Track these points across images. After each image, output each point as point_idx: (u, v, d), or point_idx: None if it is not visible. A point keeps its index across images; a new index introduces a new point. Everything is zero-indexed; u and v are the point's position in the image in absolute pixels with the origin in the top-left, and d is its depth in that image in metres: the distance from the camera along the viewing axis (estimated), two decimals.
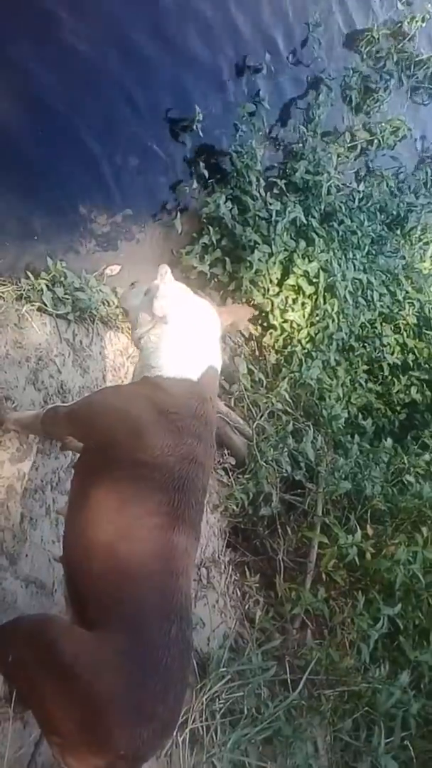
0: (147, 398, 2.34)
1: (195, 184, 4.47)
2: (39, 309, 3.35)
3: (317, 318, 4.66)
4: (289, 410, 4.48)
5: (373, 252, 5.38)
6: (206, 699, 2.95)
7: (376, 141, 5.81)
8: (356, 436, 4.59)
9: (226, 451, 4.10)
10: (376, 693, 3.42)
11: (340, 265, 4.77)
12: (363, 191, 5.51)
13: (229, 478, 4.02)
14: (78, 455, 2.56)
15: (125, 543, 2.11)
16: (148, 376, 2.43)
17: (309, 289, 4.57)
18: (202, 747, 2.87)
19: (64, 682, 1.90)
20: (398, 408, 5.18)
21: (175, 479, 2.22)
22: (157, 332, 2.50)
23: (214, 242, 4.38)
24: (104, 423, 2.35)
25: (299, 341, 4.64)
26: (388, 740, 3.33)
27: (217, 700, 2.98)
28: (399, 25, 6.32)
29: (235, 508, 3.91)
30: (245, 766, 3.00)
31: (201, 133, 4.43)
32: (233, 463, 4.10)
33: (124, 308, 2.85)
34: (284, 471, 4.14)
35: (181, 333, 2.49)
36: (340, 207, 5.14)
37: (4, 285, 3.32)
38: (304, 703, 3.28)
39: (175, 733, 2.79)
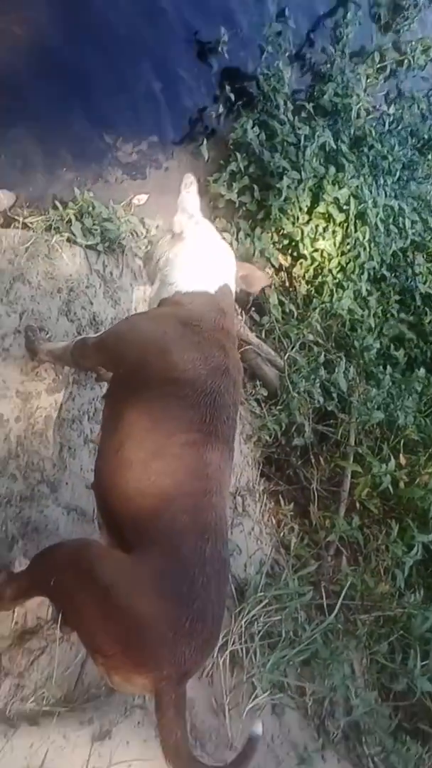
0: (170, 315, 2.34)
1: (221, 109, 4.36)
2: (68, 240, 3.31)
3: (348, 247, 4.57)
4: (321, 341, 4.44)
5: (405, 178, 5.24)
6: (245, 622, 3.00)
7: (406, 61, 5.59)
8: (388, 366, 4.56)
9: (258, 383, 4.09)
10: (411, 618, 3.48)
11: (370, 191, 4.65)
12: (393, 114, 5.34)
13: (262, 409, 4.02)
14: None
15: (157, 462, 2.11)
16: (166, 296, 2.44)
17: (339, 217, 4.47)
18: (242, 668, 2.94)
19: (104, 605, 1.94)
20: (431, 338, 5.10)
21: (206, 394, 2.20)
22: (174, 250, 2.51)
23: (242, 169, 4.28)
24: (132, 347, 2.34)
25: (330, 271, 4.56)
26: (424, 663, 3.40)
27: (256, 623, 3.04)
28: None
29: (268, 438, 3.93)
30: (284, 686, 3.08)
31: (227, 56, 4.29)
32: (265, 394, 4.09)
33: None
34: (316, 402, 4.13)
35: (197, 248, 2.51)
36: (370, 131, 4.98)
37: (33, 215, 3.28)
38: (340, 627, 3.34)
39: (215, 655, 2.86)
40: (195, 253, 2.50)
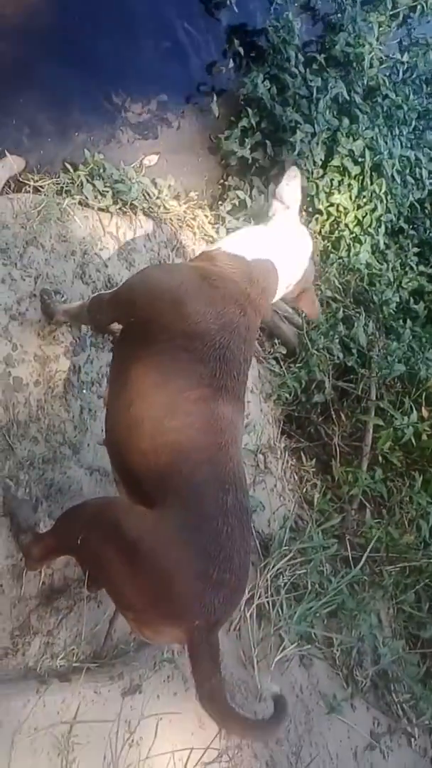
0: (193, 268, 2.35)
1: (231, 65, 4.28)
2: (80, 203, 3.30)
3: (364, 200, 4.49)
4: (339, 297, 4.40)
5: (420, 127, 5.11)
6: (270, 576, 3.03)
7: (419, 7, 5.39)
8: (408, 320, 4.50)
9: (276, 341, 4.08)
10: None
11: (386, 142, 4.55)
12: (407, 62, 5.16)
13: (281, 367, 4.01)
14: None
15: (170, 418, 2.11)
16: (208, 250, 2.46)
17: (355, 170, 4.39)
18: (269, 621, 2.98)
19: (131, 560, 1.96)
20: None
21: (216, 348, 2.19)
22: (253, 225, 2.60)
23: (254, 125, 4.21)
24: (145, 295, 2.32)
25: (346, 225, 4.50)
26: None
27: (281, 576, 3.07)
28: None
29: (287, 396, 3.92)
30: (312, 638, 3.12)
31: (236, 9, 4.20)
32: (284, 352, 4.08)
33: None
34: (336, 358, 4.11)
35: (273, 230, 2.55)
36: (384, 81, 4.84)
37: (43, 179, 3.27)
38: (366, 579, 3.37)
39: (242, 608, 2.90)
40: (268, 232, 2.54)
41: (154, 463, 2.09)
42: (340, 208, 4.45)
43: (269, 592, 3.01)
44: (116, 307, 2.47)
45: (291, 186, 2.65)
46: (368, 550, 3.39)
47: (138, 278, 2.50)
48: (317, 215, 4.46)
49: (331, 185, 4.41)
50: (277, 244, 2.51)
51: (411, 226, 4.96)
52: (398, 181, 4.64)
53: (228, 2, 4.16)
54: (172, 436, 2.10)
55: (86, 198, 3.31)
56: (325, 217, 4.47)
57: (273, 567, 3.06)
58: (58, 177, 3.35)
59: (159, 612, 1.98)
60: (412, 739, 3.38)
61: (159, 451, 2.09)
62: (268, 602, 2.99)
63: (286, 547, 3.15)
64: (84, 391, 2.93)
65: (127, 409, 2.19)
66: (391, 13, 5.26)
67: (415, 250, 4.94)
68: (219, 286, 2.28)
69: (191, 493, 2.05)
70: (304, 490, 3.73)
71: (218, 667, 1.98)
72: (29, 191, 3.19)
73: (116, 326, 2.93)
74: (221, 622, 2.03)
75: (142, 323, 2.28)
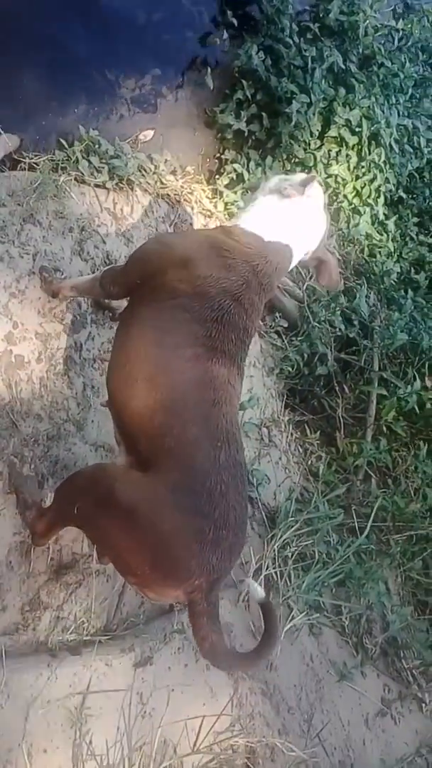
0: (206, 235, 2.35)
1: (225, 36, 4.22)
2: (76, 179, 3.27)
3: (363, 170, 4.46)
4: (339, 269, 4.38)
5: (417, 95, 5.06)
6: (277, 547, 3.04)
7: None
8: (409, 290, 4.48)
9: (277, 315, 4.06)
10: None
11: (383, 111, 4.50)
12: (402, 30, 5.11)
13: (283, 341, 3.99)
14: None
15: (163, 375, 2.13)
16: (225, 225, 2.45)
17: (352, 140, 4.35)
18: (277, 591, 3.00)
19: (127, 525, 1.98)
20: None
21: (214, 310, 2.20)
22: (265, 199, 2.52)
23: (249, 97, 4.16)
24: (156, 254, 2.35)
25: (345, 196, 4.47)
26: None
27: (288, 547, 3.08)
28: None
29: (290, 369, 3.91)
30: (320, 607, 3.14)
31: None
32: (285, 326, 4.06)
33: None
34: (338, 330, 4.10)
35: (288, 209, 2.49)
36: (379, 49, 4.78)
37: (38, 157, 3.24)
38: (373, 547, 3.38)
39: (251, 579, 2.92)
40: (286, 208, 2.49)
41: (148, 421, 2.11)
42: (339, 179, 4.42)
43: (277, 563, 3.03)
44: (129, 273, 2.46)
45: (312, 194, 2.57)
46: (373, 519, 3.40)
47: (151, 241, 2.56)
48: None
49: (329, 156, 4.38)
50: (294, 222, 2.49)
51: (410, 196, 4.93)
52: (396, 150, 4.61)
53: None
54: (165, 393, 2.11)
55: (82, 174, 3.28)
56: (323, 188, 4.42)
57: (280, 538, 3.07)
58: (53, 154, 3.31)
59: (158, 574, 2.01)
60: (423, 705, 3.41)
61: (152, 409, 2.10)
62: (275, 573, 3.01)
63: (293, 518, 3.16)
64: (86, 367, 2.93)
65: (122, 367, 2.21)
66: None
67: (415, 219, 4.93)
68: (227, 256, 2.29)
69: (183, 451, 2.06)
70: (309, 462, 3.74)
71: (218, 624, 2.03)
72: (24, 169, 3.17)
73: (116, 304, 2.97)
74: (221, 578, 2.05)
75: (147, 281, 2.29)
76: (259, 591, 2.26)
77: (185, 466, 2.04)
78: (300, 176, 2.59)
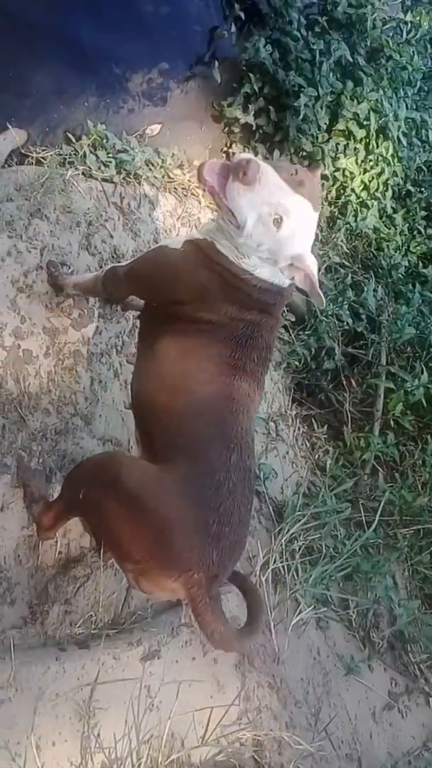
0: (220, 276, 2.18)
1: (232, 29, 4.21)
2: (83, 173, 3.28)
3: (370, 164, 4.45)
4: (347, 263, 4.38)
5: (426, 88, 5.03)
6: (285, 541, 3.05)
7: None
8: (417, 284, 4.47)
9: (284, 309, 4.04)
10: None
11: (391, 104, 4.49)
12: (411, 22, 5.07)
13: (290, 335, 3.99)
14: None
15: (186, 384, 2.17)
16: (228, 257, 2.18)
17: (360, 133, 4.34)
18: (284, 585, 3.00)
19: (131, 510, 2.00)
20: None
21: (238, 336, 2.20)
22: (264, 241, 2.12)
23: (257, 91, 4.15)
24: (167, 284, 2.29)
25: (353, 190, 4.46)
26: None
27: (296, 541, 3.08)
28: None
29: (297, 364, 3.92)
30: (328, 601, 3.14)
31: None
32: (293, 320, 4.06)
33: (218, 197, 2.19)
34: (345, 324, 4.09)
35: (286, 246, 2.14)
36: (387, 42, 4.75)
37: (46, 151, 3.25)
38: (380, 541, 3.38)
39: (257, 573, 2.93)
40: (282, 250, 2.14)
41: (167, 423, 2.15)
42: (346, 173, 4.41)
43: (284, 557, 3.03)
44: (134, 284, 2.47)
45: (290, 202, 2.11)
46: (381, 512, 3.40)
47: (157, 261, 2.39)
48: (323, 180, 4.41)
49: (337, 150, 4.37)
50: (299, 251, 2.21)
51: (418, 189, 4.92)
52: (404, 143, 4.59)
53: None
54: (188, 399, 2.15)
55: (89, 168, 3.28)
56: (331, 182, 4.43)
57: (287, 532, 3.07)
58: (61, 148, 3.32)
59: (157, 562, 2.02)
60: (430, 699, 3.41)
61: (172, 412, 2.14)
62: (283, 566, 3.01)
63: (300, 512, 3.17)
64: (94, 362, 2.94)
65: (148, 375, 2.27)
66: None
67: (423, 213, 4.91)
68: (246, 303, 2.19)
69: (196, 448, 2.09)
70: (316, 456, 3.74)
71: (222, 615, 2.03)
72: (32, 163, 3.18)
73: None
74: (219, 576, 2.05)
75: (164, 306, 2.30)
76: None
77: (196, 460, 2.06)
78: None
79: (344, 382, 4.05)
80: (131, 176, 3.46)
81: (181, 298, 2.24)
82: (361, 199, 4.47)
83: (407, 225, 4.77)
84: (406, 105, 4.67)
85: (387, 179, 4.51)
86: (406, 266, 4.49)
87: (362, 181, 4.46)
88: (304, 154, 4.28)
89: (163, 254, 2.39)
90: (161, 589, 2.07)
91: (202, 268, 2.22)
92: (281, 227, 2.07)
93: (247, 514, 2.14)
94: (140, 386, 2.32)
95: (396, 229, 4.64)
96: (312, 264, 2.18)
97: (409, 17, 5.05)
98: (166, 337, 2.25)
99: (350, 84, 4.36)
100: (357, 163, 4.40)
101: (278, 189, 2.05)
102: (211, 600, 1.99)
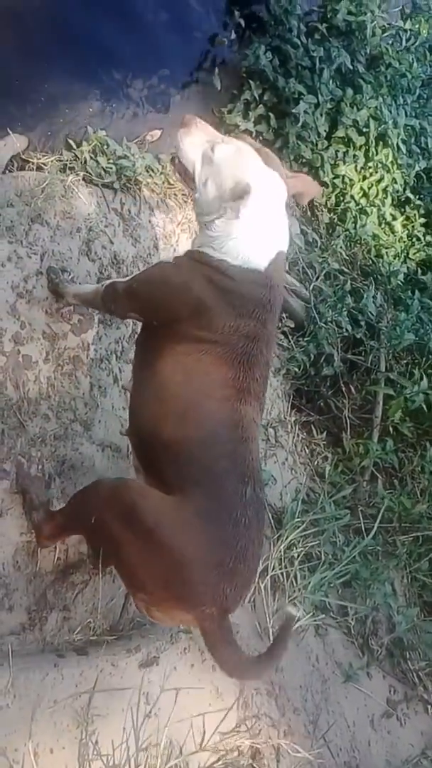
0: (210, 280, 2.22)
1: (232, 36, 4.23)
2: (84, 179, 3.28)
3: (370, 171, 4.48)
4: (346, 270, 4.39)
5: (425, 96, 5.08)
6: (284, 547, 3.04)
7: None
8: (417, 291, 4.48)
9: (284, 315, 4.05)
10: None
11: (390, 111, 4.52)
12: (410, 30, 5.10)
13: (289, 341, 4.00)
14: (139, 325, 2.53)
15: (194, 413, 2.16)
16: (211, 256, 2.25)
17: (359, 140, 4.36)
18: (283, 592, 3.00)
19: (147, 542, 2.00)
20: None
21: (239, 354, 2.20)
22: (225, 220, 2.25)
23: (257, 97, 4.17)
24: (165, 301, 2.29)
25: (352, 197, 4.48)
26: None
27: (295, 548, 3.07)
28: None
29: (297, 370, 3.92)
30: (326, 608, 3.13)
31: None
32: (292, 326, 4.06)
33: (182, 163, 2.42)
34: (344, 330, 4.10)
35: (253, 223, 2.23)
36: (387, 49, 4.79)
37: (46, 157, 3.25)
38: (379, 548, 3.38)
39: (257, 580, 2.91)
40: (249, 229, 2.24)
41: (176, 453, 2.13)
42: (346, 180, 4.43)
43: (283, 564, 3.02)
44: (134, 302, 2.44)
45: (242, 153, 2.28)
46: (380, 519, 3.40)
47: (155, 279, 2.41)
48: (323, 187, 4.42)
49: (336, 157, 4.39)
50: (271, 227, 2.29)
51: (417, 196, 4.94)
52: (404, 150, 4.62)
53: None
54: (196, 429, 2.14)
55: (90, 174, 3.29)
56: (330, 189, 4.45)
57: (286, 539, 3.07)
58: (61, 154, 3.33)
59: (171, 595, 2.02)
60: (429, 706, 3.40)
61: (181, 443, 2.12)
62: (282, 573, 3.01)
63: (299, 519, 3.16)
64: (93, 368, 2.93)
65: (151, 402, 2.24)
66: None
67: (422, 220, 4.93)
68: (239, 305, 2.22)
69: (211, 482, 2.08)
70: (316, 462, 3.74)
71: (234, 644, 2.04)
72: (33, 169, 3.18)
73: None
74: (231, 611, 2.06)
75: (164, 324, 2.29)
76: (293, 611, 2.24)
77: (214, 495, 2.06)
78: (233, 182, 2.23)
79: (343, 389, 4.05)
80: (131, 182, 3.47)
81: (179, 314, 2.23)
82: (360, 206, 4.49)
83: (406, 232, 4.79)
84: (406, 112, 4.70)
85: (386, 186, 4.54)
86: (405, 273, 4.51)
87: (361, 188, 4.48)
88: (304, 160, 4.31)
89: (160, 270, 2.45)
90: (172, 619, 2.08)
91: (194, 278, 2.25)
92: (215, 151, 2.29)
93: (260, 547, 2.15)
94: (142, 413, 2.28)
95: (395, 235, 4.66)
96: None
97: (408, 25, 5.09)
98: (169, 360, 2.23)
99: (350, 91, 4.39)
100: (356, 170, 4.43)
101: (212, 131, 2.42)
102: (223, 631, 2.00)
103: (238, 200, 2.19)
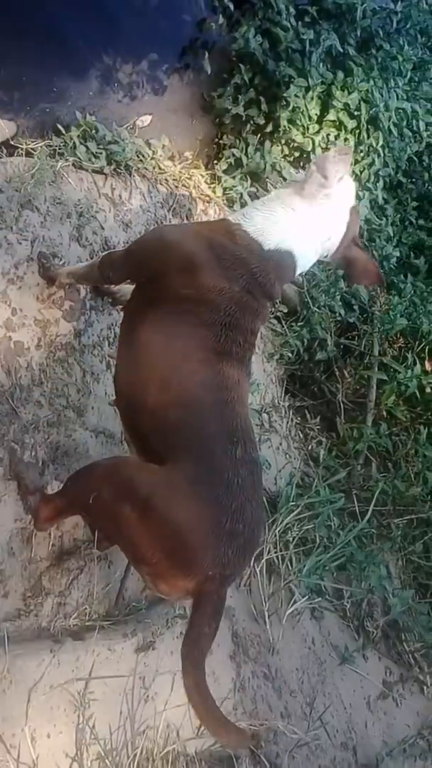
0: (209, 239, 2.29)
1: (221, 20, 4.18)
2: (74, 165, 3.26)
3: (361, 154, 4.43)
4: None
5: (416, 79, 5.01)
6: (279, 531, 3.06)
7: None
8: (409, 275, 4.48)
9: (277, 300, 4.04)
10: None
11: (381, 94, 4.46)
12: (401, 12, 5.04)
13: (282, 326, 3.99)
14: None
15: (176, 376, 2.14)
16: (230, 221, 2.38)
17: (351, 124, 4.31)
18: (279, 575, 3.01)
19: (145, 514, 1.98)
20: None
21: (221, 316, 2.20)
22: (277, 197, 2.42)
23: (247, 81, 4.12)
24: (157, 254, 2.32)
25: None
26: None
27: (290, 531, 3.09)
28: None
29: (290, 355, 3.91)
30: (322, 591, 3.15)
31: None
32: (285, 311, 4.06)
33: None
34: (337, 315, 4.09)
35: (290, 214, 2.37)
36: (377, 32, 4.74)
37: (35, 142, 3.23)
38: (374, 531, 3.39)
39: (252, 564, 2.92)
40: (294, 213, 2.38)
41: (163, 420, 2.12)
42: None
43: (278, 547, 3.04)
44: (129, 264, 2.47)
45: (337, 160, 2.38)
46: (374, 503, 3.41)
47: (153, 237, 2.52)
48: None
49: (327, 140, 4.33)
50: (301, 228, 2.38)
51: (409, 180, 4.91)
52: (395, 134, 4.57)
53: None
54: (179, 394, 2.13)
55: (80, 160, 3.26)
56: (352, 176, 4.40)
57: (281, 522, 3.08)
58: (51, 140, 3.31)
59: (174, 563, 2.00)
60: (424, 687, 3.42)
61: (167, 408, 2.12)
62: (277, 557, 3.02)
63: (294, 503, 3.17)
64: (86, 354, 2.93)
65: (134, 368, 2.22)
66: None
67: (414, 204, 4.91)
68: (229, 267, 2.25)
69: (201, 447, 2.08)
70: (310, 447, 3.75)
71: (217, 622, 2.00)
72: (22, 155, 3.14)
73: (116, 288, 2.96)
74: (234, 575, 2.06)
75: (151, 282, 2.29)
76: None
77: (203, 459, 2.05)
78: (328, 167, 2.37)
79: (337, 373, 4.06)
80: (122, 167, 3.44)
81: (167, 269, 2.25)
82: None
83: (399, 216, 4.78)
84: (397, 95, 4.64)
85: (378, 170, 4.50)
86: (397, 257, 4.49)
87: (353, 172, 4.43)
88: (295, 145, 4.26)
89: (159, 229, 2.70)
90: (178, 590, 2.04)
91: (190, 237, 2.34)
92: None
93: (259, 507, 2.14)
94: (126, 379, 2.27)
95: (387, 219, 4.63)
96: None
97: (399, 7, 5.02)
98: (152, 322, 2.23)
99: (340, 74, 4.33)
100: None
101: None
102: (218, 598, 1.99)
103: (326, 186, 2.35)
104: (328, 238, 2.47)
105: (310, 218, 2.40)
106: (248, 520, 2.02)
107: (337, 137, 4.35)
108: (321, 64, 4.26)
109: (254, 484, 2.10)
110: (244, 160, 4.01)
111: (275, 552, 3.01)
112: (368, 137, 4.41)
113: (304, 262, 2.46)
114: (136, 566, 2.22)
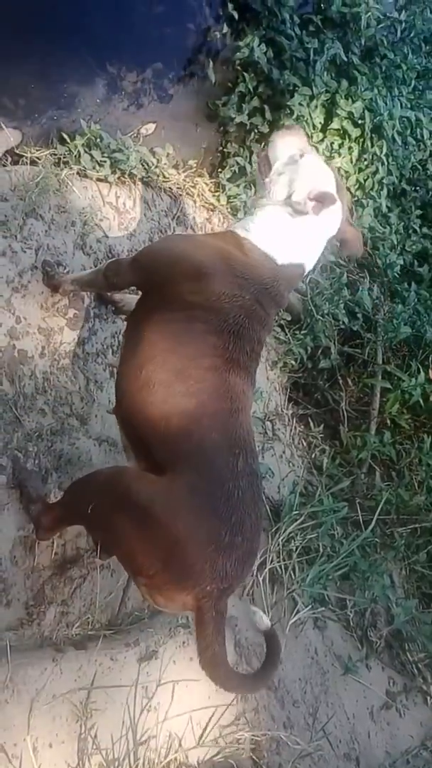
0: (219, 248, 2.31)
1: (226, 29, 4.19)
2: (78, 173, 3.27)
3: (365, 163, 4.44)
4: (342, 262, 4.36)
5: (420, 87, 5.02)
6: (282, 540, 3.05)
7: None
8: (413, 283, 4.47)
9: (282, 308, 4.05)
10: None
11: (385, 103, 4.47)
12: (405, 21, 5.05)
13: (286, 334, 3.99)
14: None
15: (181, 384, 2.12)
16: (238, 234, 2.39)
17: (355, 132, 4.33)
18: (282, 585, 3.00)
19: (143, 525, 1.98)
20: None
21: (230, 324, 2.20)
22: (277, 209, 2.41)
23: (251, 90, 4.14)
24: (166, 262, 2.32)
25: (348, 189, 4.45)
26: None
27: (293, 540, 3.09)
28: None
29: (293, 363, 3.92)
30: (325, 600, 3.14)
31: None
32: (289, 319, 4.06)
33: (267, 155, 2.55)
34: (341, 323, 4.09)
35: (300, 228, 2.39)
36: (382, 40, 4.75)
37: (40, 151, 3.24)
38: (377, 541, 3.39)
39: (255, 573, 2.92)
40: (297, 229, 2.39)
41: (164, 429, 2.10)
42: (341, 172, 4.39)
43: (281, 557, 3.03)
44: (136, 270, 2.46)
45: (286, 141, 2.49)
46: (378, 512, 3.40)
47: (163, 245, 2.54)
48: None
49: (332, 149, 4.35)
50: (308, 241, 2.42)
51: (413, 188, 4.90)
52: (399, 142, 4.58)
53: None
54: (183, 401, 2.11)
55: (84, 168, 3.27)
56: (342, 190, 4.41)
57: (284, 531, 3.08)
58: (55, 148, 3.32)
59: (171, 576, 1.99)
60: (428, 697, 3.42)
61: (169, 416, 2.10)
62: (280, 566, 3.02)
63: (297, 512, 3.17)
64: (89, 362, 2.93)
65: (137, 374, 2.19)
66: None
67: (418, 212, 4.89)
68: (240, 276, 2.26)
69: (201, 457, 2.06)
70: (313, 455, 3.74)
71: (223, 635, 1.99)
72: (26, 163, 3.17)
73: (119, 296, 2.96)
74: (232, 588, 2.04)
75: (159, 288, 2.29)
76: (264, 620, 2.16)
77: (203, 470, 2.04)
78: (310, 187, 2.36)
79: (340, 381, 4.05)
80: (126, 176, 3.45)
81: (176, 277, 2.25)
82: (356, 198, 4.46)
83: (402, 224, 4.76)
84: (401, 104, 4.66)
85: (382, 178, 4.50)
86: (401, 265, 4.48)
87: (357, 180, 4.45)
88: None
89: (167, 238, 2.71)
90: (175, 603, 2.03)
91: (200, 246, 2.36)
92: (303, 157, 2.44)
93: (258, 520, 2.11)
94: (128, 386, 2.24)
95: (391, 228, 4.62)
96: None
97: (403, 16, 5.03)
98: (156, 330, 2.22)
99: (345, 83, 4.35)
100: (352, 162, 4.39)
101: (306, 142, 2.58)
102: (217, 614, 1.97)
103: (314, 204, 2.33)
104: (330, 237, 2.50)
105: (316, 228, 2.41)
106: (247, 532, 2.01)
107: (341, 145, 4.36)
108: (325, 73, 4.27)
109: (254, 497, 2.08)
110: (248, 168, 4.01)
111: (278, 561, 3.01)
112: (372, 146, 4.42)
113: (311, 268, 2.50)
114: (133, 578, 2.21)
